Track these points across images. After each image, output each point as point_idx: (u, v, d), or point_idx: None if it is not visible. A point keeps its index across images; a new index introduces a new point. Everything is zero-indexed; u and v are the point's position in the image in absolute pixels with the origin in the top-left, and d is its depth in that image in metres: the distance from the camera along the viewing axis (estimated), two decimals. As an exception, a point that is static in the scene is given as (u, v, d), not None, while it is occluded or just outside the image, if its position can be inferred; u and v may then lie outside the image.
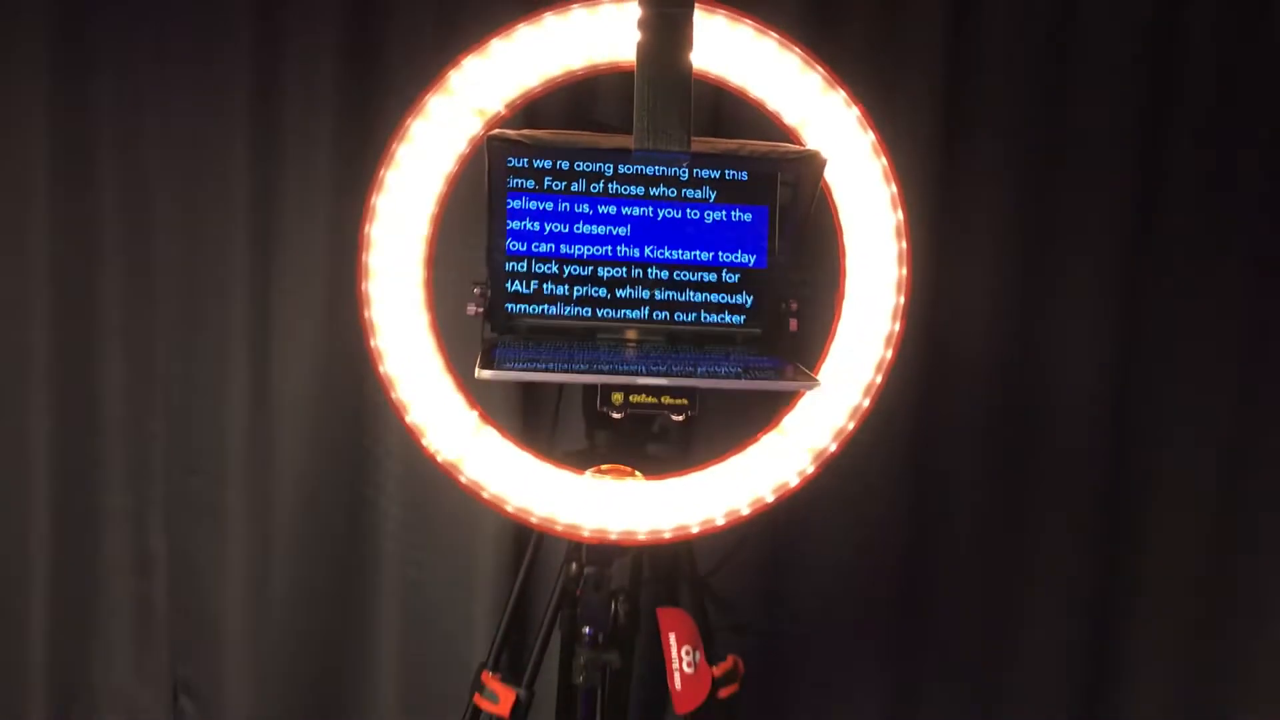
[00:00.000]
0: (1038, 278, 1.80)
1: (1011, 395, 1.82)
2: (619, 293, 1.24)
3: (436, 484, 1.71)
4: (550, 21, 1.20)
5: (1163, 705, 1.93)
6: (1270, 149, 1.78)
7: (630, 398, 1.11)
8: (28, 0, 1.69)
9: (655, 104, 1.09)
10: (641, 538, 1.25)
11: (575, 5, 1.20)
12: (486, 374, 1.08)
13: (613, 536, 1.25)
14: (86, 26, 1.71)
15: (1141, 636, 1.91)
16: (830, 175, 1.22)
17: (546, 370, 1.11)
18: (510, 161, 1.17)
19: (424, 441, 1.23)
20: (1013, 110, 1.75)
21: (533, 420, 1.74)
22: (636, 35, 1.10)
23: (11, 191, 1.74)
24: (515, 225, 1.20)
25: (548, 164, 1.19)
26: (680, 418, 1.13)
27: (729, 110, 1.52)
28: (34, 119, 1.72)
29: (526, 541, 1.49)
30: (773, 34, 1.22)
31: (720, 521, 1.26)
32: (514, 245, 1.21)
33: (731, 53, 1.22)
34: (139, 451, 1.83)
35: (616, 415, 1.13)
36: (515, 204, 1.20)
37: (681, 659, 1.35)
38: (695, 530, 1.26)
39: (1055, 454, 1.84)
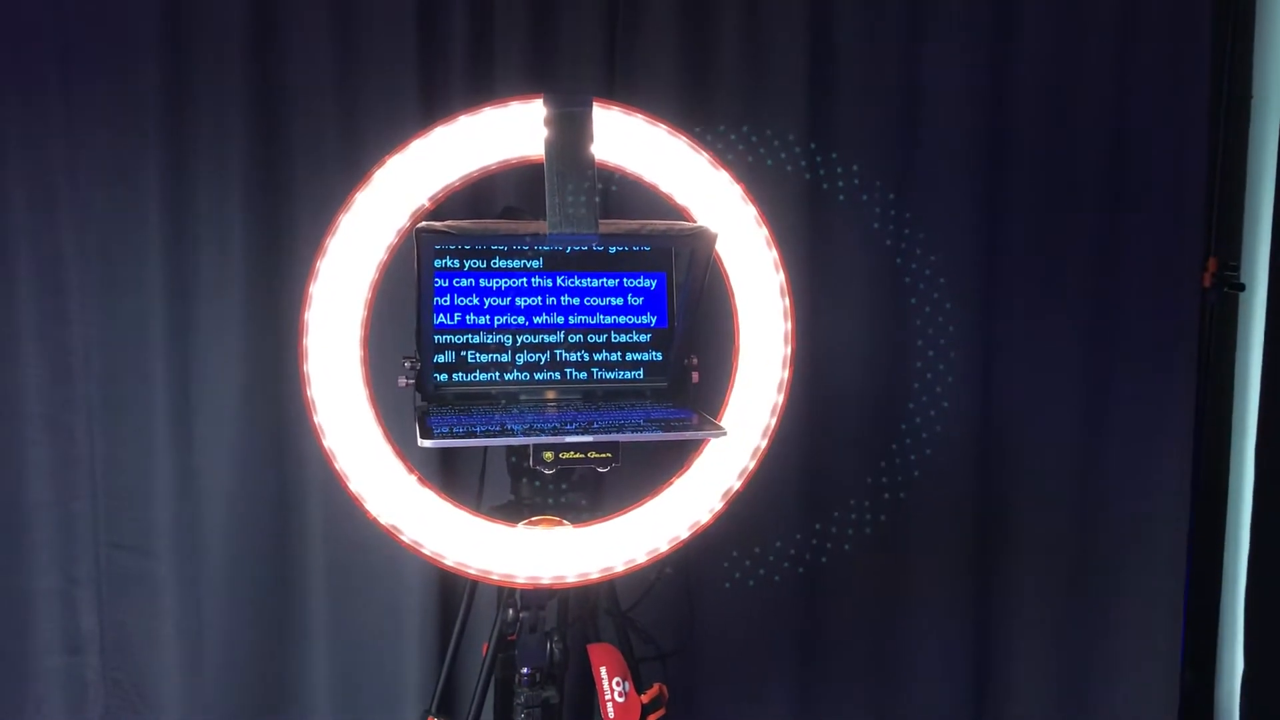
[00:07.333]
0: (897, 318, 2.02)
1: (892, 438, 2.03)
2: (536, 357, 1.37)
3: (362, 546, 1.83)
4: (463, 120, 1.32)
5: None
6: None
7: (560, 455, 1.24)
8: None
9: (565, 193, 1.24)
10: (571, 580, 1.37)
11: (485, 107, 1.33)
12: (428, 443, 1.19)
13: (545, 581, 1.37)
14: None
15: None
16: (720, 245, 1.37)
17: (483, 435, 1.22)
18: (437, 248, 1.29)
19: (366, 506, 1.33)
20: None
21: (453, 476, 1.85)
22: (543, 132, 1.25)
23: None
24: (441, 302, 1.32)
25: (467, 247, 1.31)
26: (605, 469, 1.25)
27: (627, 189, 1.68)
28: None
29: (451, 593, 1.59)
30: (662, 124, 1.37)
31: (642, 560, 1.39)
32: (440, 320, 1.33)
33: (627, 141, 1.37)
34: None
35: (548, 471, 1.25)
36: (441, 283, 1.31)
37: (613, 690, 1.48)
38: (620, 570, 1.39)
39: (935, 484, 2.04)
